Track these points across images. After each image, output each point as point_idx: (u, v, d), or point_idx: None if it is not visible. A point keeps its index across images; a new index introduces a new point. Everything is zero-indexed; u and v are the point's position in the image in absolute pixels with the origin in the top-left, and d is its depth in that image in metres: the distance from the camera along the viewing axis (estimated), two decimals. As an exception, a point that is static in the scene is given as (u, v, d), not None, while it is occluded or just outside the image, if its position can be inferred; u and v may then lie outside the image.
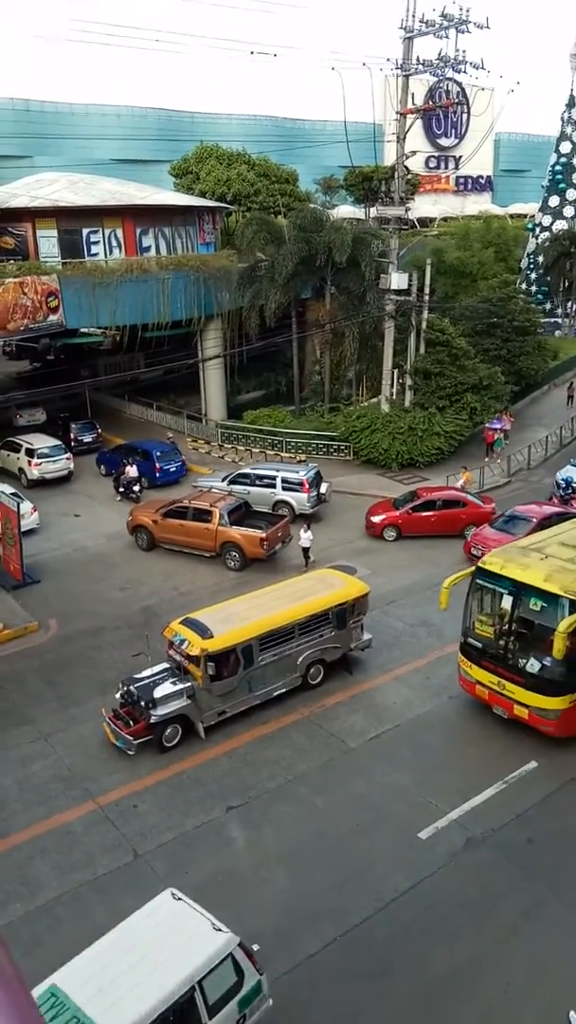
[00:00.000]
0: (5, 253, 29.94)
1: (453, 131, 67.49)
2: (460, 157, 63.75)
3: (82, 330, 32.90)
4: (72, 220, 31.38)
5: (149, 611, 19.29)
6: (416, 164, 48.42)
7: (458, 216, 54.00)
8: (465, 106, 56.23)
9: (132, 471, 27.09)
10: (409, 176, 37.05)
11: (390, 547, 22.88)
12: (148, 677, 14.44)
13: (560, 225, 49.91)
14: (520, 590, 13.81)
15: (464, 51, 26.73)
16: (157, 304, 30.85)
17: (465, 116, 62.49)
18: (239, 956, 8.36)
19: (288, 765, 13.60)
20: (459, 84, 51.93)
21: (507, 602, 14.03)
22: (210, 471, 28.41)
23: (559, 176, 50.66)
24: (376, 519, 23.64)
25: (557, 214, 50.74)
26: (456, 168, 65.96)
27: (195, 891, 10.96)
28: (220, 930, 8.35)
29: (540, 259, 49.32)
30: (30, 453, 28.16)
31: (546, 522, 21.29)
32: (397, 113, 28.42)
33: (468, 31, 26.30)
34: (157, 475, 27.59)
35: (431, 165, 66.72)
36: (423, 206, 57.52)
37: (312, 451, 30.19)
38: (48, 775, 13.49)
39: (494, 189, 76.08)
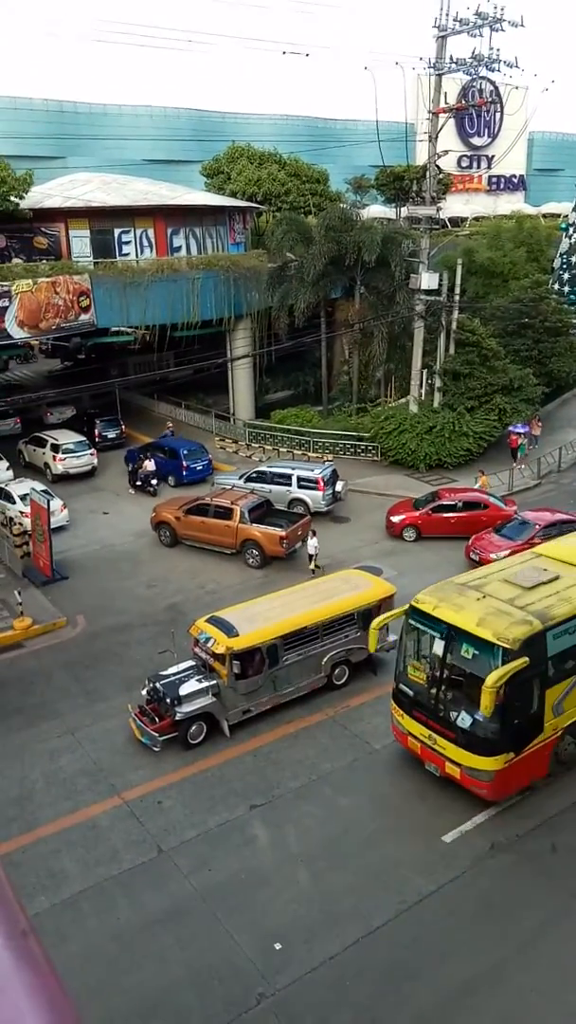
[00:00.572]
0: (38, 253, 30.33)
1: (486, 130, 66.92)
2: (493, 156, 63.27)
3: (113, 329, 33.20)
4: (104, 220, 31.69)
5: (175, 609, 19.42)
6: (448, 163, 48.10)
7: (490, 216, 53.53)
8: (498, 105, 55.69)
9: (150, 465, 27.59)
10: (441, 176, 36.86)
11: (416, 548, 22.77)
12: (174, 674, 14.55)
13: (594, 225, 49.17)
14: (452, 634, 12.28)
15: (498, 49, 26.48)
16: (187, 304, 31.02)
17: (498, 115, 61.94)
18: None
19: (312, 765, 13.61)
20: (492, 83, 51.48)
21: (439, 646, 12.51)
22: (234, 469, 28.56)
23: (594, 175, 49.94)
24: (396, 519, 23.58)
25: (591, 213, 49.98)
26: (489, 167, 65.46)
27: (217, 889, 11.05)
28: None
29: (573, 259, 48.74)
30: (55, 448, 28.65)
31: (550, 529, 21.02)
32: (429, 112, 28.24)
33: (502, 29, 26.04)
34: (184, 473, 27.84)
35: (463, 164, 66.22)
36: (455, 206, 57.09)
37: (339, 451, 30.15)
38: (75, 769, 13.65)
39: (527, 188, 75.28)
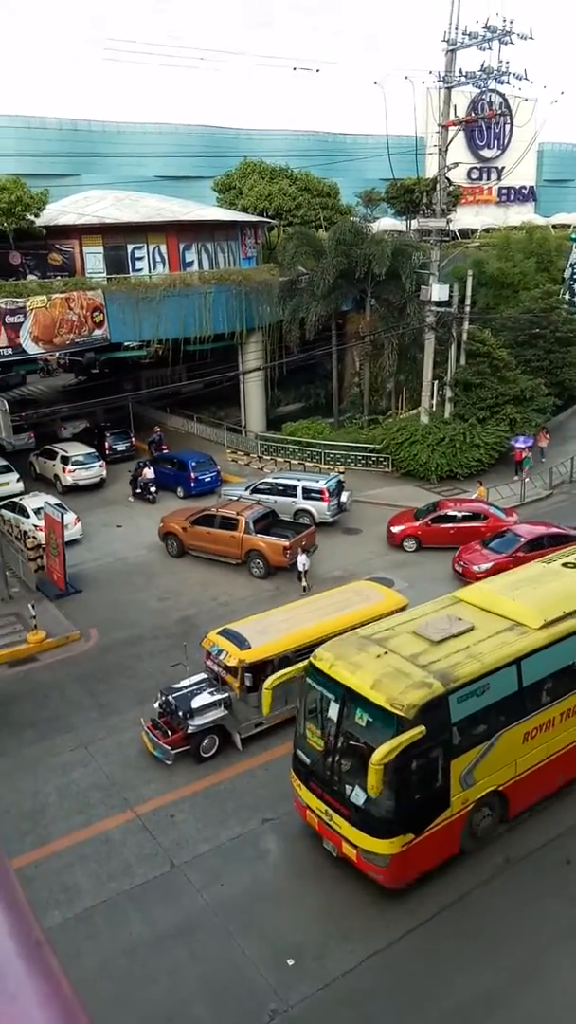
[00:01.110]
0: (53, 269, 30.68)
1: (496, 142, 67.17)
2: (503, 168, 63.41)
3: (126, 344, 33.48)
4: (117, 236, 32.03)
5: (187, 621, 19.46)
6: (458, 175, 48.23)
7: (500, 227, 53.64)
8: (508, 117, 55.85)
9: (149, 473, 27.98)
10: (451, 188, 36.97)
11: (428, 560, 22.73)
12: (186, 687, 14.56)
13: (605, 235, 49.15)
14: (347, 696, 10.97)
15: (507, 62, 26.67)
16: (199, 318, 31.25)
17: (508, 127, 62.13)
18: None
19: (325, 778, 13.54)
20: (502, 95, 51.69)
21: (333, 710, 11.20)
22: (242, 481, 28.71)
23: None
24: (396, 529, 23.58)
25: (602, 224, 50.04)
26: (499, 179, 65.62)
27: (230, 903, 11.01)
28: None
29: (584, 269, 48.66)
30: (64, 460, 29.05)
31: (536, 543, 20.86)
32: (439, 125, 28.42)
33: (511, 42, 26.22)
34: (192, 485, 28.10)
35: (473, 176, 66.44)
36: (465, 217, 57.25)
37: (351, 463, 30.19)
38: (88, 783, 13.67)
39: (537, 199, 75.40)
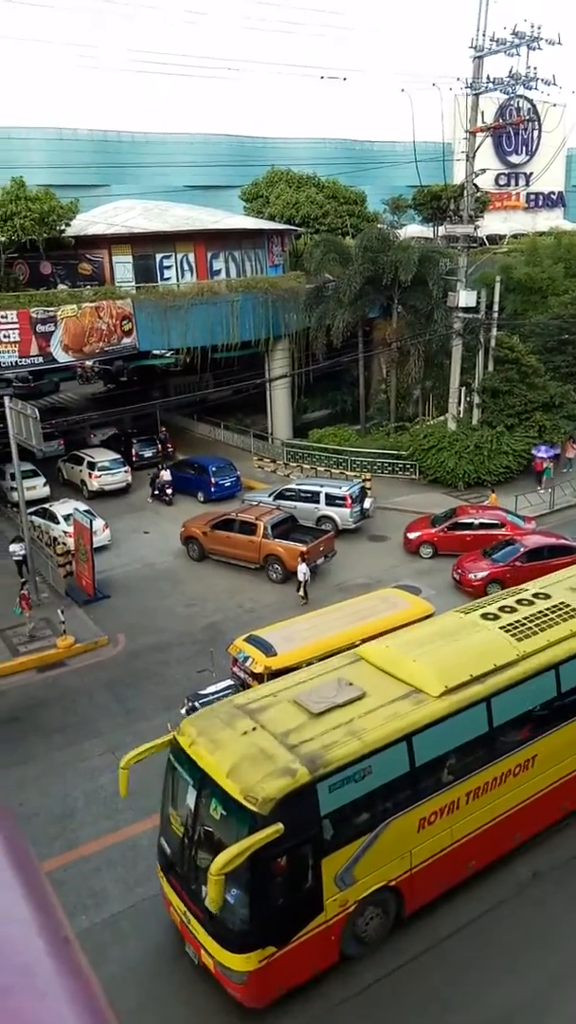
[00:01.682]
0: (83, 278, 31.09)
1: (524, 148, 66.74)
2: (531, 174, 62.98)
3: (154, 352, 33.80)
4: (146, 246, 32.38)
5: (214, 628, 19.52)
6: (486, 181, 48.01)
7: (528, 233, 53.27)
8: (536, 123, 55.54)
9: (165, 475, 28.64)
10: (479, 194, 36.81)
11: (450, 568, 22.54)
12: (213, 693, 14.59)
13: None
14: (204, 781, 9.51)
15: (535, 68, 26.53)
16: (226, 326, 31.44)
17: (536, 133, 61.69)
18: None
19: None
20: (530, 101, 51.44)
21: (191, 796, 9.76)
22: (266, 487, 28.84)
23: None
24: (412, 535, 23.48)
25: (633, 228, 49.43)
26: (527, 185, 65.17)
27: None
28: None
29: (614, 274, 48.07)
30: (91, 466, 29.53)
31: (536, 553, 20.55)
32: (467, 131, 28.34)
33: (539, 48, 26.09)
34: (212, 489, 28.43)
35: (501, 182, 66.06)
36: (493, 223, 56.92)
37: (377, 470, 30.11)
38: (115, 788, 13.62)
39: (566, 205, 74.70)
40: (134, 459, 31.79)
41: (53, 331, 27.22)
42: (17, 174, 28.35)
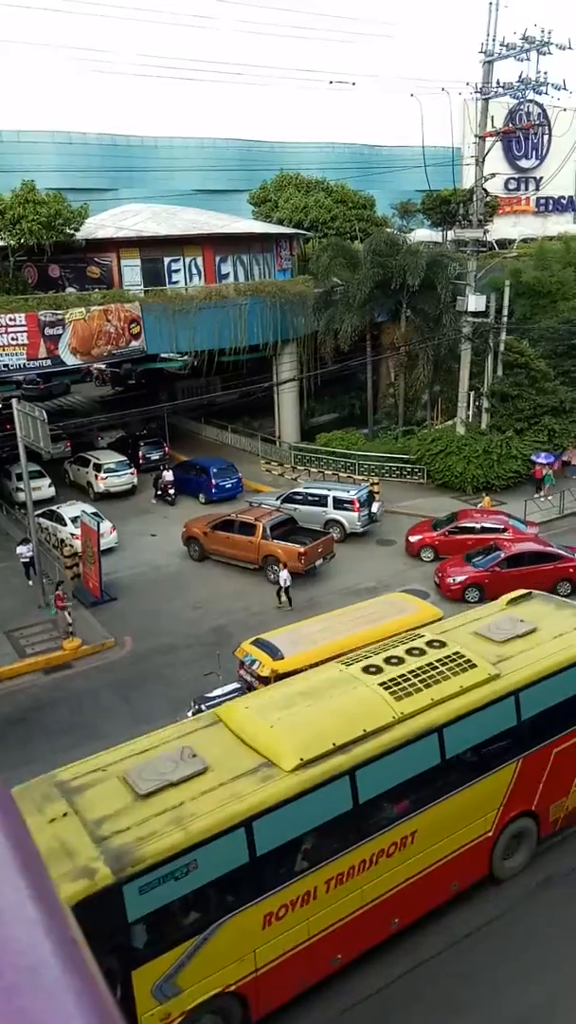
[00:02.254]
0: (91, 282, 31.20)
1: (534, 152, 66.71)
2: (541, 178, 62.91)
3: (162, 355, 33.87)
4: (154, 249, 32.47)
5: (221, 631, 19.50)
6: (495, 186, 47.91)
7: (538, 237, 53.21)
8: (546, 127, 55.50)
9: (168, 475, 28.90)
10: (488, 198, 36.79)
11: (464, 572, 22.49)
12: (219, 696, 14.56)
13: None
14: None
15: (545, 73, 26.56)
16: (234, 329, 31.48)
17: (546, 137, 61.63)
18: None
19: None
20: (540, 105, 51.36)
21: None
22: (273, 491, 28.89)
23: None
24: (413, 539, 23.46)
25: None
26: (537, 189, 65.11)
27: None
28: None
29: (624, 279, 47.90)
30: (97, 468, 29.69)
31: (516, 560, 20.47)
32: (476, 136, 28.37)
33: (549, 53, 26.10)
34: (213, 491, 28.63)
35: (511, 187, 66.04)
36: (502, 228, 56.87)
37: (385, 474, 30.06)
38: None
39: (576, 209, 74.62)
40: (141, 461, 31.91)
41: (61, 334, 27.31)
42: (27, 177, 28.48)
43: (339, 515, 24.78)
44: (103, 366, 32.11)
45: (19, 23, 74.85)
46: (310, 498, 25.43)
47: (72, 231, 28.73)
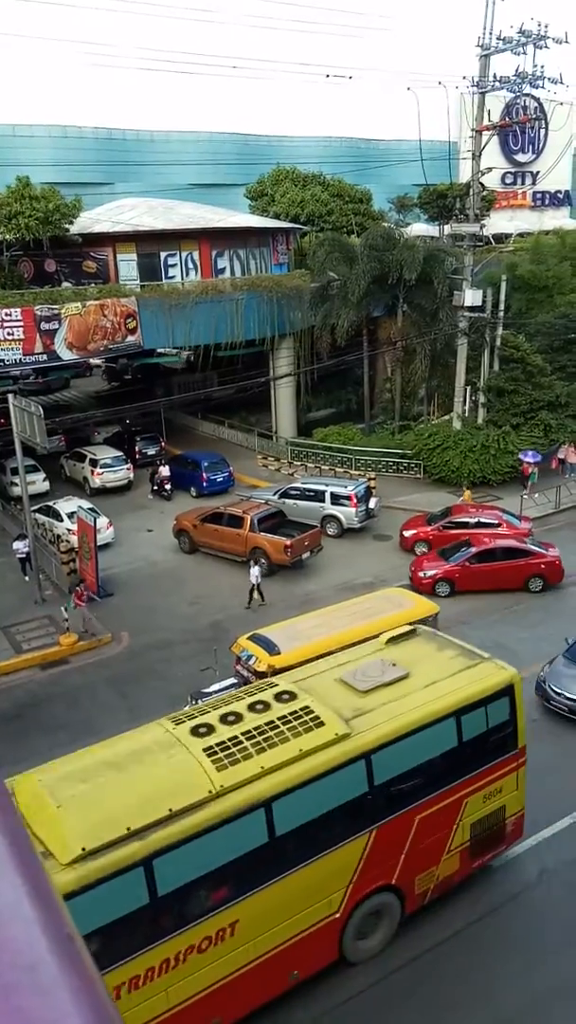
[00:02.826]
0: (87, 277, 31.09)
1: (530, 147, 66.59)
2: (537, 172, 62.80)
3: (158, 350, 33.80)
4: (151, 244, 32.37)
5: (217, 626, 19.51)
6: (492, 180, 47.87)
7: (534, 232, 53.18)
8: (543, 121, 55.40)
9: (164, 471, 28.95)
10: (485, 192, 36.74)
11: (461, 567, 22.52)
12: (216, 692, 14.58)
13: None
14: None
15: (542, 67, 26.48)
16: (231, 324, 31.43)
17: (543, 131, 61.53)
18: None
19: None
20: (537, 99, 51.21)
21: None
22: (270, 486, 28.93)
23: None
24: (408, 533, 23.53)
25: None
26: (533, 184, 65.03)
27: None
28: None
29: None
30: (93, 463, 29.65)
31: (487, 555, 20.62)
32: (473, 130, 28.31)
33: (546, 47, 26.04)
34: (204, 484, 28.78)
35: (507, 181, 65.95)
36: (499, 222, 56.77)
37: (382, 469, 30.06)
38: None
39: (572, 204, 74.56)
40: (137, 457, 31.88)
41: (57, 329, 27.23)
42: (22, 171, 28.38)
43: (336, 511, 24.83)
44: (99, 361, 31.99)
45: (15, 15, 74.42)
46: (307, 493, 25.48)
47: (68, 225, 28.64)
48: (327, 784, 9.08)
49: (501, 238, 51.85)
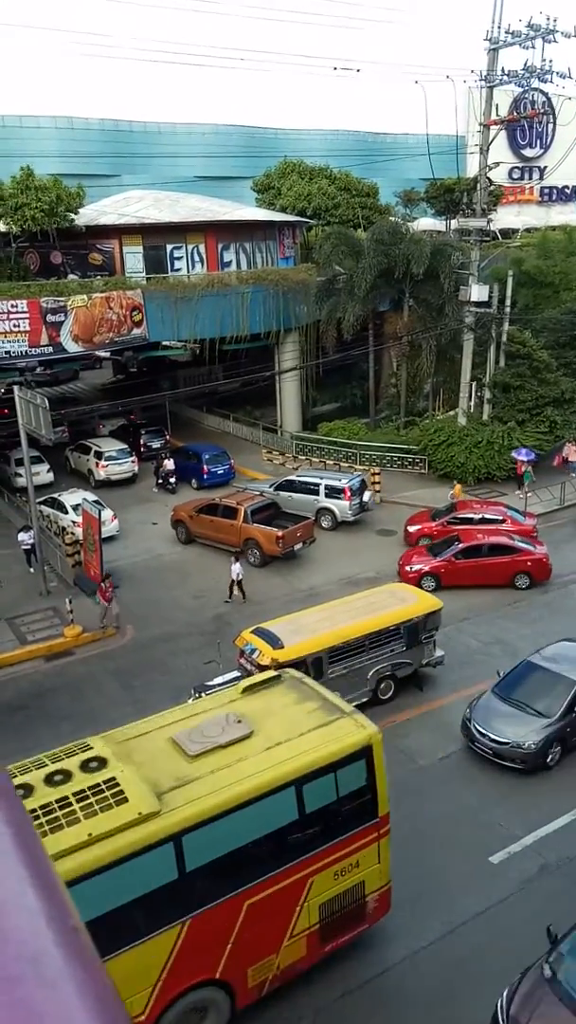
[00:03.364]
0: (93, 269, 31.05)
1: (538, 141, 66.25)
2: (545, 167, 62.49)
3: (164, 343, 33.77)
4: (157, 236, 32.31)
5: (221, 619, 19.55)
6: (499, 175, 47.64)
7: (541, 227, 52.96)
8: (551, 116, 55.08)
9: (169, 464, 29.08)
10: (492, 187, 36.58)
11: (465, 563, 22.51)
12: (219, 685, 14.62)
13: None
14: None
15: (551, 60, 26.29)
16: (236, 318, 31.38)
17: (551, 126, 61.21)
18: None
19: (356, 780, 13.48)
20: (545, 94, 50.94)
21: None
22: (268, 479, 29.00)
23: None
24: (412, 528, 23.56)
25: None
26: (541, 179, 64.72)
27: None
28: None
29: (628, 269, 47.60)
30: (98, 456, 29.75)
31: (473, 551, 20.59)
32: (481, 124, 28.13)
33: (555, 40, 25.85)
34: (205, 476, 29.02)
35: (515, 176, 65.65)
36: (506, 217, 56.52)
37: (387, 464, 30.02)
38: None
39: (580, 199, 74.12)
40: (142, 450, 31.95)
41: (63, 321, 27.21)
42: (29, 163, 28.29)
43: (330, 503, 25.02)
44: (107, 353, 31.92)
45: (22, 7, 74.12)
46: (303, 486, 25.63)
47: (73, 216, 28.59)
48: (124, 872, 7.68)
49: (508, 233, 51.59)
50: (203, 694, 14.37)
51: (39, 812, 7.72)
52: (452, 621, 18.12)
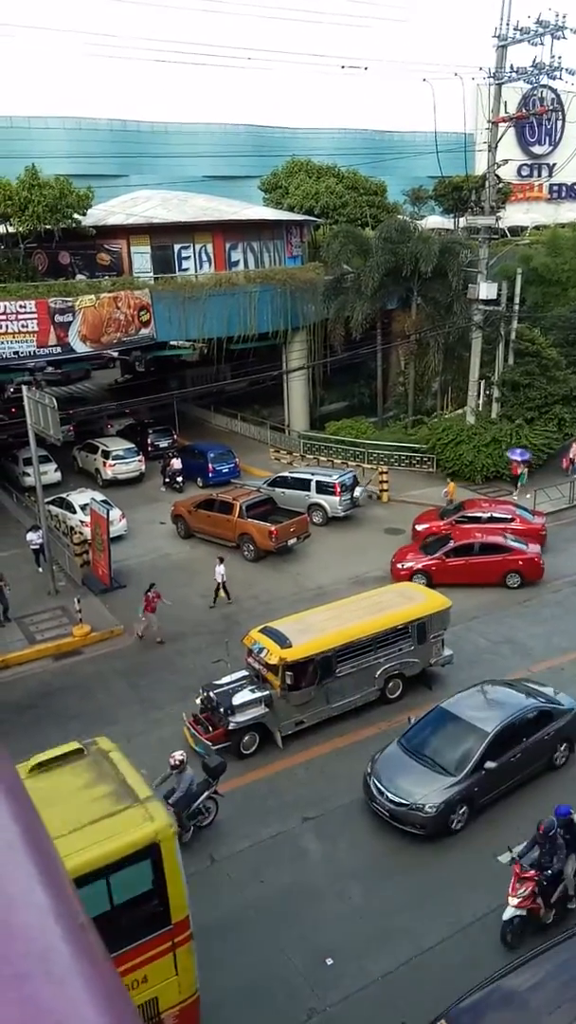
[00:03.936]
0: (101, 269, 31.13)
1: (547, 138, 65.99)
2: (554, 165, 62.25)
3: (172, 343, 33.81)
4: (164, 236, 32.35)
5: (229, 619, 19.55)
6: (508, 172, 47.40)
7: (550, 224, 52.75)
8: (560, 113, 54.89)
9: (176, 463, 29.20)
10: (501, 185, 36.44)
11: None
12: (227, 684, 14.64)
13: None
14: None
15: (560, 57, 26.16)
16: (244, 317, 31.38)
17: (560, 123, 60.99)
18: None
19: (365, 779, 13.46)
20: (554, 91, 50.74)
21: None
22: (266, 476, 29.05)
23: None
24: (420, 527, 23.50)
25: None
26: (550, 176, 64.45)
27: (269, 901, 11.03)
28: None
29: None
30: (105, 455, 29.83)
31: (465, 550, 20.54)
32: (489, 122, 28.05)
33: (564, 37, 25.74)
34: (210, 475, 29.16)
35: (523, 173, 65.39)
36: (515, 215, 56.37)
37: (395, 463, 29.96)
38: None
39: (589, 196, 73.78)
40: (149, 449, 32.03)
41: (71, 321, 27.27)
42: (38, 163, 28.38)
43: (321, 499, 25.15)
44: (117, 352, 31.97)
45: (29, 8, 74.41)
46: (294, 482, 25.78)
47: (79, 216, 28.65)
48: None
49: (517, 231, 51.46)
50: (211, 694, 14.40)
51: None
52: (461, 620, 18.07)
